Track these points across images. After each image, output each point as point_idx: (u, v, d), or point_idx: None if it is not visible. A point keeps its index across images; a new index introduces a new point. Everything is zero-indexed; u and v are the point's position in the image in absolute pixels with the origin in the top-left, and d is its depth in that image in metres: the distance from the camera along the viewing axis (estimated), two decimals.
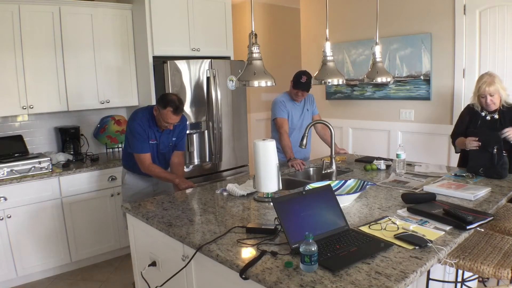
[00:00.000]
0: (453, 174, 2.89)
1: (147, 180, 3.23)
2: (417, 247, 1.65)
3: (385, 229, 1.86)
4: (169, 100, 2.86)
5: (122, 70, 4.11)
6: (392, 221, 1.95)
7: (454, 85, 4.11)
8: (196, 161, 4.11)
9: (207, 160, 4.17)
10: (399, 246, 1.68)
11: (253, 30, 2.24)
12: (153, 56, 3.94)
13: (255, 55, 2.20)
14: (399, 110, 4.60)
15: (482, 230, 2.41)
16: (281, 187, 2.41)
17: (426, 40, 4.23)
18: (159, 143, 3.07)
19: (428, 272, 2.25)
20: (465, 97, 4.05)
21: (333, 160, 2.95)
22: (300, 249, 1.49)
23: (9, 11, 3.42)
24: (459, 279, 2.46)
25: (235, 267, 1.59)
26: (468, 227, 1.83)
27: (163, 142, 3.09)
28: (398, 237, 1.74)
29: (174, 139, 3.14)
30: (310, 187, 2.29)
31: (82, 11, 3.79)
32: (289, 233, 1.68)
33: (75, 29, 3.77)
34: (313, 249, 1.47)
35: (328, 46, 2.68)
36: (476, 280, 2.75)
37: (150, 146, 3.03)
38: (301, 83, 3.44)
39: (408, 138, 4.52)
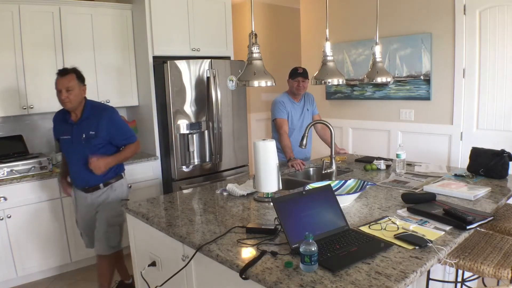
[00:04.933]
0: (453, 174, 2.89)
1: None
2: (417, 247, 1.65)
3: (385, 229, 1.85)
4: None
5: (122, 70, 4.11)
6: (392, 221, 1.95)
7: (454, 85, 4.12)
8: (196, 161, 4.11)
9: (207, 160, 4.17)
10: (399, 246, 1.68)
11: (253, 30, 2.24)
12: (153, 56, 3.94)
13: (255, 55, 2.20)
14: (399, 110, 4.60)
15: (483, 230, 2.42)
16: (281, 187, 2.41)
17: (426, 40, 4.23)
18: (72, 137, 2.76)
19: (428, 272, 2.25)
20: (465, 97, 4.05)
21: (333, 160, 2.95)
22: (300, 249, 1.49)
23: (9, 11, 3.42)
24: (459, 279, 2.46)
25: (235, 267, 1.58)
26: (468, 227, 1.83)
27: (76, 136, 2.74)
28: (398, 237, 1.74)
29: (92, 132, 2.72)
30: (310, 187, 2.29)
31: (82, 11, 3.79)
32: (289, 233, 1.68)
33: (75, 29, 3.77)
34: (313, 249, 1.47)
35: (328, 46, 2.68)
36: (476, 280, 2.74)
37: (63, 142, 2.81)
38: (298, 72, 3.51)
39: (408, 138, 4.52)
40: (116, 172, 2.92)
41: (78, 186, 2.89)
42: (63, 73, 2.65)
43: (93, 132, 2.69)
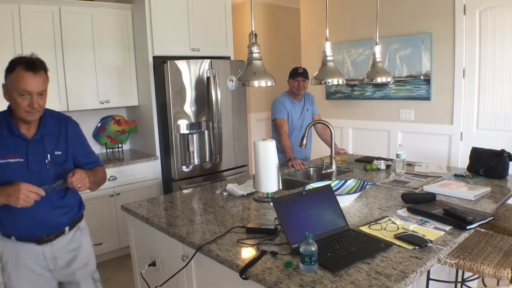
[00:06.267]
0: (453, 174, 2.89)
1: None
2: (417, 247, 1.65)
3: (385, 229, 1.85)
4: (15, 58, 1.80)
5: (122, 70, 4.11)
6: (392, 221, 1.95)
7: (454, 85, 4.11)
8: (196, 161, 4.11)
9: (207, 160, 4.17)
10: (399, 246, 1.68)
11: (253, 30, 2.24)
12: (153, 56, 3.94)
13: (255, 55, 2.20)
14: (399, 110, 4.60)
15: (483, 230, 2.42)
16: (281, 187, 2.41)
17: (426, 40, 4.23)
18: (27, 161, 1.85)
19: (428, 272, 2.25)
20: (465, 97, 4.05)
21: (333, 160, 2.95)
22: (300, 249, 1.49)
23: (9, 11, 3.41)
24: (459, 279, 2.46)
25: (235, 267, 1.59)
26: (468, 227, 1.83)
27: (35, 158, 1.87)
28: (398, 237, 1.74)
29: (58, 152, 1.94)
30: (310, 187, 2.29)
31: (82, 11, 3.78)
32: (289, 233, 1.68)
33: (75, 29, 3.76)
34: (313, 249, 1.47)
35: (328, 46, 2.69)
36: (476, 280, 2.74)
37: (8, 168, 1.83)
38: (298, 72, 3.51)
39: (408, 138, 4.52)
40: (80, 206, 2.13)
41: (27, 236, 1.91)
42: (33, 68, 1.77)
43: (60, 152, 1.93)
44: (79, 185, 1.86)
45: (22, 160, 1.85)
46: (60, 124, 2.00)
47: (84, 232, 2.14)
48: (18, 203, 1.72)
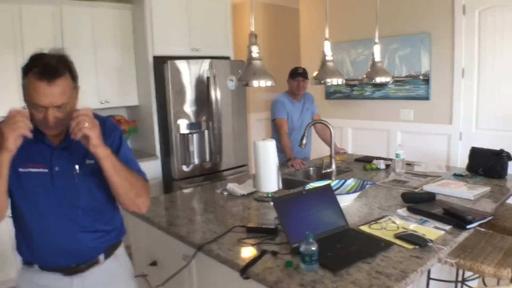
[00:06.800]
0: (452, 173, 2.90)
1: None
2: (417, 247, 1.66)
3: (385, 228, 1.86)
4: (31, 58, 1.42)
5: (122, 70, 4.11)
6: (392, 221, 1.96)
7: (453, 85, 4.12)
8: (196, 160, 4.11)
9: (207, 159, 4.18)
10: (400, 245, 1.68)
11: (253, 30, 2.25)
12: (153, 56, 3.94)
13: (255, 55, 2.21)
14: (398, 110, 4.61)
15: (483, 229, 2.42)
16: (281, 187, 2.42)
17: (425, 40, 4.24)
18: (51, 173, 1.51)
19: (429, 271, 2.26)
20: (464, 97, 4.06)
21: (333, 160, 2.96)
22: (301, 249, 1.50)
23: (10, 11, 3.42)
24: (460, 278, 2.47)
25: (236, 266, 1.59)
26: (468, 227, 1.83)
27: (61, 169, 1.52)
28: (398, 236, 1.75)
29: (91, 161, 1.53)
30: (310, 187, 2.29)
31: (83, 11, 3.79)
32: (289, 233, 1.69)
33: (76, 29, 3.77)
34: (313, 248, 1.48)
35: (327, 46, 2.69)
36: (477, 280, 2.75)
37: (29, 178, 1.50)
38: (298, 72, 3.54)
39: (408, 138, 4.52)
40: (120, 231, 1.72)
41: (53, 265, 1.56)
42: (48, 75, 1.37)
43: (93, 161, 1.51)
44: (78, 121, 1.40)
45: (46, 171, 1.51)
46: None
47: (119, 261, 1.71)
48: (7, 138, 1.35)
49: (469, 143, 3.68)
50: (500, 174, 2.76)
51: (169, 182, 4.07)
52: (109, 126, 1.62)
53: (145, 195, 1.61)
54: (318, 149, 4.33)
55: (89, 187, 1.56)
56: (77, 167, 1.54)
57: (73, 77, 1.48)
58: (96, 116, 1.52)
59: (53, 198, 1.51)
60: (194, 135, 4.07)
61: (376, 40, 3.14)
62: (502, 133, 3.86)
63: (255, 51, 2.21)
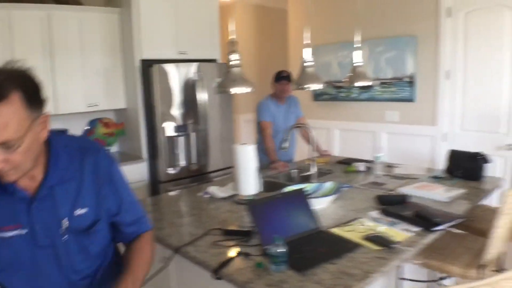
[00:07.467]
0: (431, 175, 2.96)
1: None
2: (384, 248, 1.72)
3: (355, 230, 1.92)
4: None
5: (110, 73, 4.15)
6: (361, 223, 2.02)
7: (438, 87, 4.18)
8: (183, 163, 4.16)
9: (194, 162, 4.23)
10: (367, 247, 1.75)
11: (234, 37, 2.31)
12: (140, 60, 3.99)
13: (234, 63, 2.27)
14: (384, 112, 4.67)
15: (457, 231, 2.49)
16: (262, 189, 2.48)
17: (411, 42, 4.30)
18: (32, 232, 1.18)
19: (401, 272, 2.31)
20: (449, 99, 4.12)
21: (314, 162, 3.02)
22: (270, 251, 1.56)
23: (0, 17, 3.46)
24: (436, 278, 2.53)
25: (209, 267, 1.65)
26: (432, 229, 1.89)
27: (44, 225, 1.19)
28: (367, 238, 1.81)
29: (82, 210, 1.25)
30: (286, 190, 2.36)
31: (71, 16, 3.82)
32: (262, 235, 1.75)
33: (64, 33, 3.79)
34: (281, 250, 1.54)
35: (308, 51, 2.75)
36: (454, 279, 2.81)
37: (5, 244, 1.16)
38: (282, 76, 3.59)
39: (393, 140, 4.59)
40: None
41: None
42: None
43: (85, 210, 1.25)
44: None
45: (24, 231, 1.16)
46: (82, 162, 1.25)
47: None
48: None
49: (453, 145, 3.72)
50: (477, 176, 2.81)
51: (155, 185, 4.11)
52: (103, 170, 1.31)
53: (153, 252, 1.45)
54: (304, 151, 4.40)
55: (82, 245, 1.26)
56: (66, 220, 1.21)
57: (32, 99, 1.05)
58: (78, 150, 1.26)
59: (40, 262, 1.20)
60: (181, 137, 4.12)
61: (356, 45, 3.20)
62: (486, 135, 3.92)
63: (234, 58, 2.27)
